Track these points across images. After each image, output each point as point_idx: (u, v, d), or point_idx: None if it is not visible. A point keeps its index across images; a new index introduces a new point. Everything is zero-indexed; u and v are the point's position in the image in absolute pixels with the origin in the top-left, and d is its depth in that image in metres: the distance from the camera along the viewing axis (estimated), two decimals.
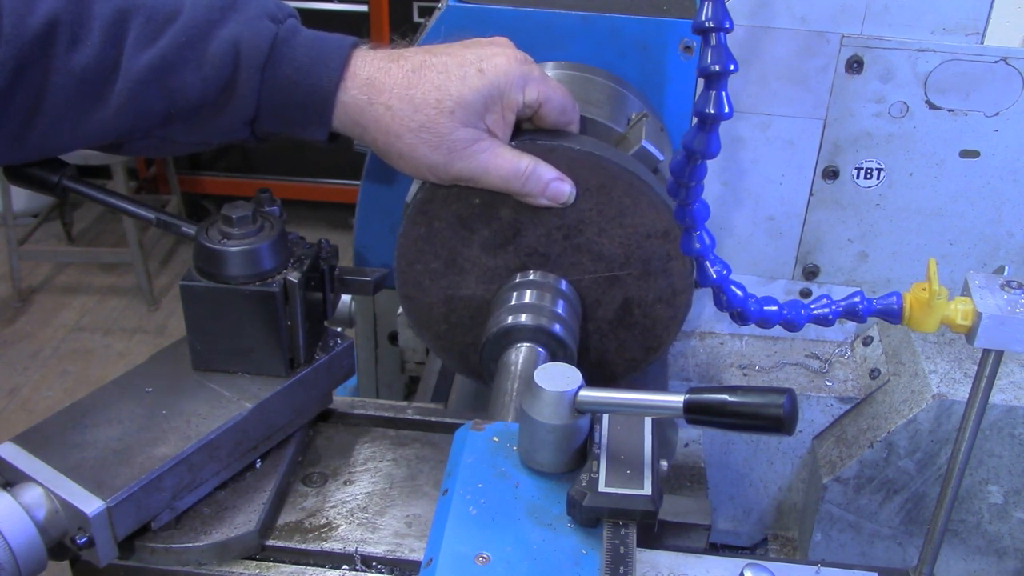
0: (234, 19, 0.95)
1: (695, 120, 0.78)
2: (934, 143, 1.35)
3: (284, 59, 0.96)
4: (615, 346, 1.15)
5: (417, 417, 1.13)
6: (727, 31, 0.76)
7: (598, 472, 0.81)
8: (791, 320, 0.87)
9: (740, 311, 0.88)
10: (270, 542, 0.95)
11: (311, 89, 0.96)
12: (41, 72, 0.89)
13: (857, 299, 0.87)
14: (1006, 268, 0.86)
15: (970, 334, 0.83)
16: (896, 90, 1.32)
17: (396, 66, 0.98)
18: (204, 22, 0.94)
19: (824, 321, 0.87)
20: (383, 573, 0.94)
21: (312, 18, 4.07)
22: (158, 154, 1.08)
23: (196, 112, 0.95)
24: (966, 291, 0.85)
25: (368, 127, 0.98)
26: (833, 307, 0.87)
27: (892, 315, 0.86)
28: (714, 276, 0.86)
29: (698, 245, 0.86)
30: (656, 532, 0.83)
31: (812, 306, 0.87)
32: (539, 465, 0.86)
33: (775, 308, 0.88)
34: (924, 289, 0.84)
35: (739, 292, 0.87)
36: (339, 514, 0.99)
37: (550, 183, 1.03)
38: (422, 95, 0.96)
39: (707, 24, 0.76)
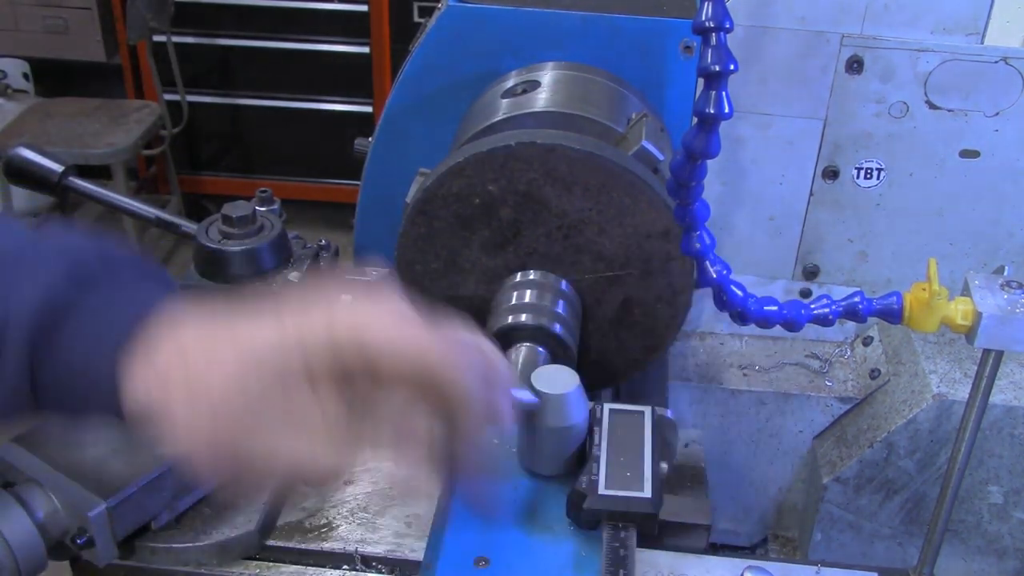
0: (21, 283, 0.76)
1: (695, 120, 0.78)
2: (934, 143, 1.35)
3: (59, 338, 0.75)
4: (615, 346, 1.15)
5: None
6: (727, 31, 0.76)
7: (598, 474, 0.81)
8: (791, 320, 0.87)
9: (740, 311, 0.87)
10: (270, 542, 0.95)
11: (90, 375, 0.75)
12: None
13: (857, 299, 0.87)
14: (1006, 268, 0.86)
15: (970, 334, 0.83)
16: (896, 90, 1.32)
17: (196, 342, 0.74)
18: None
19: (824, 321, 0.87)
20: (383, 573, 0.94)
21: (312, 18, 4.08)
22: None
23: None
24: (966, 291, 0.85)
25: (163, 421, 0.72)
26: (833, 307, 0.87)
27: (892, 315, 0.86)
28: (714, 276, 0.86)
29: (698, 245, 0.86)
30: (656, 532, 0.83)
31: (812, 306, 0.87)
32: (538, 467, 0.86)
33: (775, 308, 0.88)
34: (924, 289, 0.84)
35: (739, 292, 0.87)
36: (339, 514, 0.99)
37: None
38: (217, 391, 0.71)
39: (707, 24, 0.76)
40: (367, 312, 0.72)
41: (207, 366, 0.73)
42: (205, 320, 0.75)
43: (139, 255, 0.83)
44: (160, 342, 0.75)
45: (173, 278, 0.83)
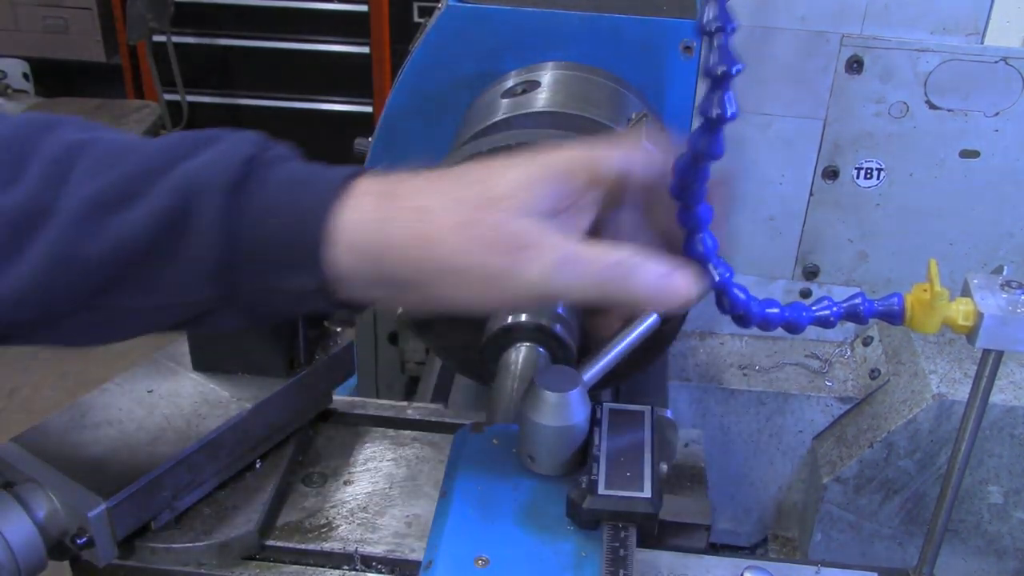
0: (204, 153, 0.71)
1: (699, 121, 0.77)
2: (934, 143, 1.35)
3: (260, 184, 0.71)
4: None
5: (417, 417, 1.13)
6: (732, 32, 0.76)
7: (598, 474, 0.81)
8: (793, 321, 0.86)
9: (743, 314, 0.87)
10: (270, 542, 0.95)
11: (297, 212, 0.70)
12: None
13: (858, 301, 0.87)
14: (1004, 268, 0.86)
15: (971, 335, 0.83)
16: (896, 90, 1.32)
17: (415, 176, 0.74)
18: (167, 153, 0.71)
19: (825, 323, 0.87)
20: (383, 573, 0.94)
21: (312, 18, 4.09)
22: (103, 337, 0.78)
23: (143, 262, 0.70)
24: (966, 291, 0.85)
25: (391, 244, 0.70)
26: (834, 309, 0.87)
27: (893, 316, 0.86)
28: (717, 279, 0.86)
29: (701, 248, 0.86)
30: (656, 532, 0.83)
31: (813, 308, 0.87)
32: (538, 467, 0.86)
33: (776, 311, 0.88)
34: (925, 290, 0.84)
35: (742, 295, 0.87)
36: (339, 514, 0.99)
37: (661, 280, 0.74)
38: (459, 191, 0.72)
39: (711, 26, 0.76)
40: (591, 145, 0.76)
41: (440, 176, 0.73)
42: (425, 172, 0.74)
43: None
44: (377, 177, 0.72)
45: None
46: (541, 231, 0.71)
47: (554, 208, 0.72)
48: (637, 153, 0.77)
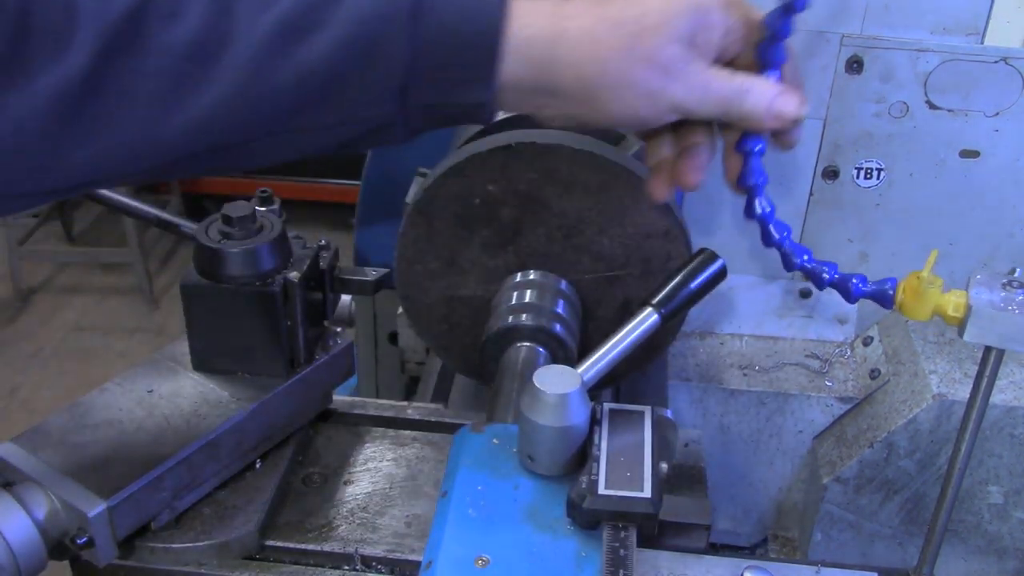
0: None
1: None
2: (934, 143, 1.35)
3: (434, 5, 0.76)
4: None
5: (417, 417, 1.13)
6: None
7: (598, 474, 0.81)
8: (789, 252, 0.91)
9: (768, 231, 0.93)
10: (270, 542, 0.95)
11: (473, 29, 0.76)
12: (135, 55, 0.71)
13: (855, 280, 0.88)
14: (1016, 270, 0.86)
15: (961, 327, 0.83)
16: (896, 90, 1.32)
17: None
18: None
19: (817, 279, 0.89)
20: (383, 573, 0.94)
21: None
22: (281, 156, 0.82)
23: (333, 85, 0.75)
24: (967, 286, 0.85)
25: (560, 63, 0.79)
26: (830, 273, 0.89)
27: (884, 299, 0.86)
28: (759, 212, 0.92)
29: (752, 179, 0.91)
30: (656, 532, 0.83)
31: (813, 262, 0.90)
32: (539, 467, 0.86)
33: (788, 243, 0.92)
34: (919, 277, 0.84)
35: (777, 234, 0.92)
36: (339, 514, 0.99)
37: (774, 100, 0.86)
38: (619, 13, 0.80)
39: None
40: None
41: None
42: None
43: None
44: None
45: None
46: (686, 56, 0.81)
47: (694, 34, 0.81)
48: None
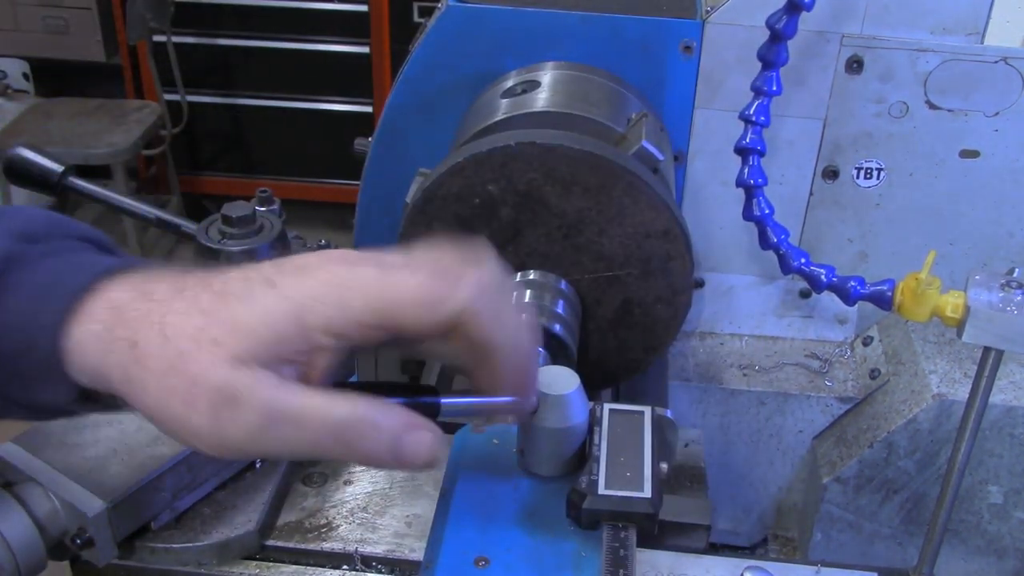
0: None
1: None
2: (934, 143, 1.35)
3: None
4: (615, 346, 1.15)
5: None
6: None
7: (597, 474, 0.81)
8: (787, 254, 0.91)
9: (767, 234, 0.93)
10: (270, 542, 0.95)
11: (30, 327, 0.63)
12: None
13: (853, 282, 0.88)
14: (1015, 270, 0.86)
15: (959, 328, 0.83)
16: (896, 90, 1.32)
17: (165, 286, 0.64)
18: None
19: (814, 280, 0.89)
20: (383, 573, 0.94)
21: (312, 18, 4.07)
22: None
23: None
24: (966, 287, 0.85)
25: (111, 377, 0.63)
26: (828, 276, 0.89)
27: (883, 301, 0.86)
28: (758, 213, 0.91)
29: (755, 179, 0.90)
30: (656, 532, 0.83)
31: (811, 263, 0.90)
32: (538, 468, 0.86)
33: (786, 245, 0.92)
34: (917, 278, 0.84)
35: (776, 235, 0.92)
36: (339, 514, 0.99)
37: (398, 438, 0.64)
38: (178, 322, 0.61)
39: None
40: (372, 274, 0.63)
41: (178, 294, 0.63)
42: (176, 277, 0.65)
43: (90, 227, 0.73)
44: (134, 281, 0.65)
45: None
46: (251, 382, 0.60)
47: (296, 352, 0.62)
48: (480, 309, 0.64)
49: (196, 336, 0.60)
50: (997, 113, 1.31)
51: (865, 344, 1.48)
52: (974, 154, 1.35)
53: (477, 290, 0.64)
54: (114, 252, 0.73)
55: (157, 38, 4.11)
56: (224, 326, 0.60)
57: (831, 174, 1.39)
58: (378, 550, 0.94)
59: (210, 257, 0.98)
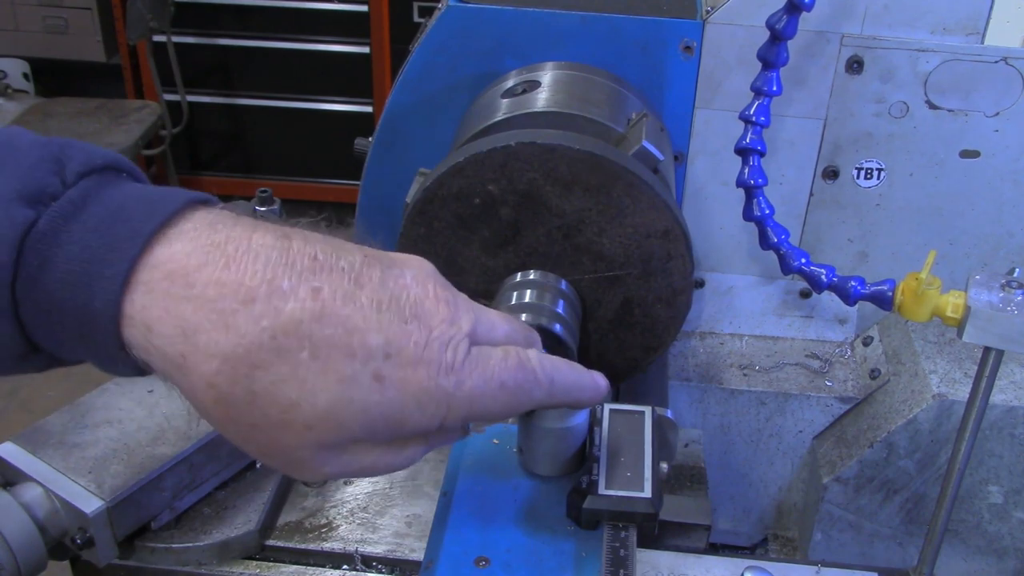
0: None
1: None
2: (934, 143, 1.35)
3: (47, 260, 0.59)
4: (615, 346, 1.15)
5: None
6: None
7: (598, 474, 0.81)
8: (787, 255, 0.91)
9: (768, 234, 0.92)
10: (270, 542, 0.95)
11: (79, 303, 0.59)
12: None
13: (853, 282, 0.88)
14: (1016, 270, 0.86)
15: (960, 328, 0.83)
16: (896, 90, 1.32)
17: (242, 236, 0.64)
18: None
19: (814, 280, 0.89)
20: (383, 573, 0.94)
21: (312, 18, 4.07)
22: None
23: None
24: (967, 287, 0.85)
25: (152, 353, 0.61)
26: (828, 276, 0.89)
27: (883, 301, 0.86)
28: (759, 213, 0.92)
29: (754, 180, 0.91)
30: (656, 532, 0.83)
31: (812, 264, 0.90)
32: (539, 467, 0.86)
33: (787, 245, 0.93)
34: (917, 279, 0.84)
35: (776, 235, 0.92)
36: (339, 514, 0.99)
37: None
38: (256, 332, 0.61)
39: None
40: None
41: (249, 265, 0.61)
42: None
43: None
44: (199, 232, 0.61)
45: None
46: (330, 459, 0.62)
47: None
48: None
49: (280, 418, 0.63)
50: (997, 113, 1.31)
51: (865, 344, 1.48)
52: (974, 154, 1.35)
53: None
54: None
55: (157, 38, 4.11)
56: (313, 409, 0.62)
57: (831, 174, 1.39)
58: (378, 550, 0.94)
59: None
